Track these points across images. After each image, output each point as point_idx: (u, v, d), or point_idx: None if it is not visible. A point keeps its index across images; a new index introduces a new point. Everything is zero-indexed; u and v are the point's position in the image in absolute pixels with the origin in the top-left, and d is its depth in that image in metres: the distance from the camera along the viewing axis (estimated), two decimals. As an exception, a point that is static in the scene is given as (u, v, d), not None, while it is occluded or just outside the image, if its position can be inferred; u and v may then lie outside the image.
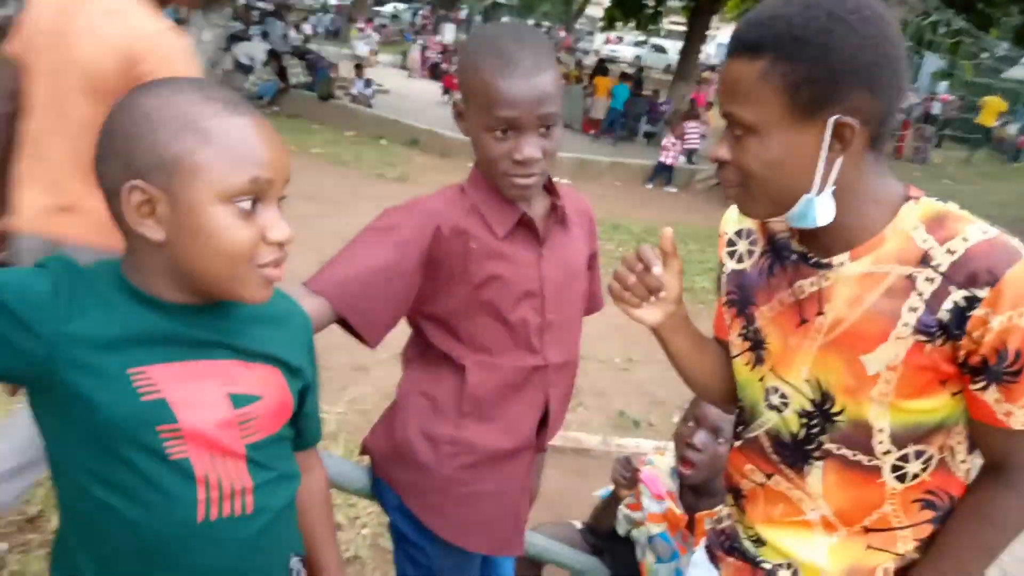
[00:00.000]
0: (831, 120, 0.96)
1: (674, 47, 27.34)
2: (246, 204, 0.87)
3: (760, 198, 1.04)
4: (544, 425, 1.44)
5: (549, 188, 1.40)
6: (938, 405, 1.04)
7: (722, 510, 1.37)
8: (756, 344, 1.18)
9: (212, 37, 11.70)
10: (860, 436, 1.07)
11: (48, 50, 1.78)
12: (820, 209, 1.01)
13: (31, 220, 1.84)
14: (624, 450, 3.38)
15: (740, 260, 1.22)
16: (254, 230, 0.88)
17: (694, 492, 1.93)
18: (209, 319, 0.94)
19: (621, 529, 2.07)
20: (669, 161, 11.19)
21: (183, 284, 0.90)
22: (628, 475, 2.04)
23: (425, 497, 1.40)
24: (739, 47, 0.99)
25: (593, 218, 1.52)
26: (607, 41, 37.25)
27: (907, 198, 1.05)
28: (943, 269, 0.98)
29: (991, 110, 17.44)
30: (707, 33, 16.48)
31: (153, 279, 0.90)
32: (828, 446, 1.10)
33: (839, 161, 0.99)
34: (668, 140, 11.31)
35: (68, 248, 1.73)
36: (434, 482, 1.38)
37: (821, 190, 1.00)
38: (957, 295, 0.97)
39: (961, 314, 0.97)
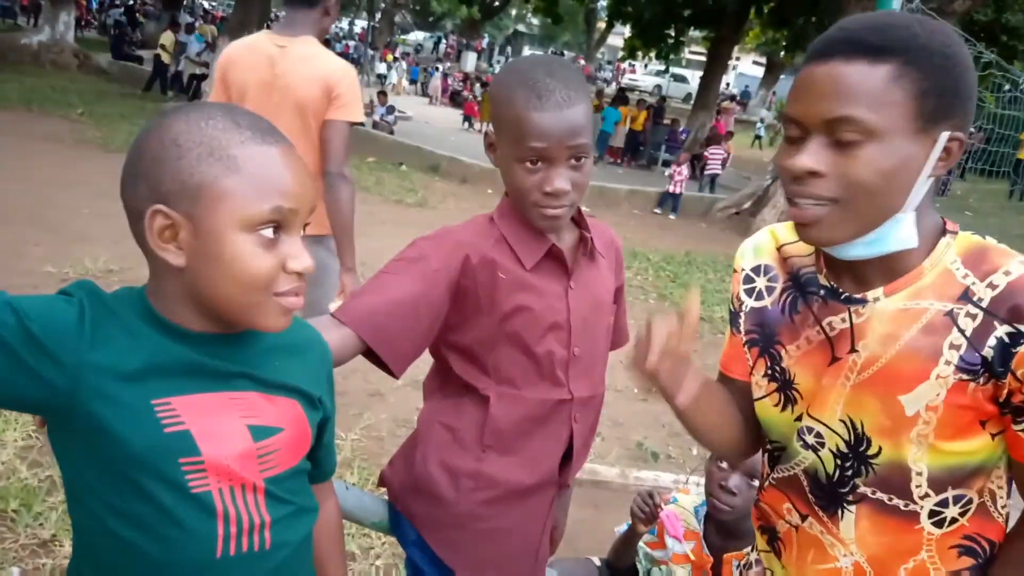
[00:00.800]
0: (945, 134, 0.93)
1: (694, 76, 27.47)
2: (268, 233, 0.86)
3: (855, 216, 0.96)
4: (567, 460, 1.41)
5: (578, 220, 1.39)
6: (978, 447, 1.00)
7: (751, 554, 1.32)
8: (784, 384, 1.12)
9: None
10: (897, 479, 1.02)
11: (259, 90, 2.53)
12: (907, 230, 0.97)
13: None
14: (642, 483, 3.32)
15: (759, 297, 1.17)
16: (275, 259, 0.87)
17: (721, 533, 1.88)
18: (231, 349, 0.93)
19: (641, 568, 2.02)
20: (675, 190, 11.29)
21: (203, 311, 0.89)
22: (648, 509, 1.99)
23: (444, 532, 1.37)
24: (855, 49, 0.93)
25: (620, 251, 1.50)
26: (620, 71, 37.49)
27: (944, 231, 1.02)
28: (985, 304, 0.94)
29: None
30: (728, 63, 16.53)
31: (175, 306, 0.89)
32: (863, 489, 1.05)
33: (931, 180, 0.96)
34: (674, 169, 11.46)
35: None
36: (454, 517, 1.35)
37: (908, 208, 0.96)
38: (1001, 331, 0.93)
39: (1006, 350, 0.93)
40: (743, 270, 1.21)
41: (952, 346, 0.96)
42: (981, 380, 0.95)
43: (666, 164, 12.59)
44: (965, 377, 0.95)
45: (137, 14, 21.09)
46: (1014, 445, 0.99)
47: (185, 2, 19.96)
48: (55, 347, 0.80)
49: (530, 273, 1.30)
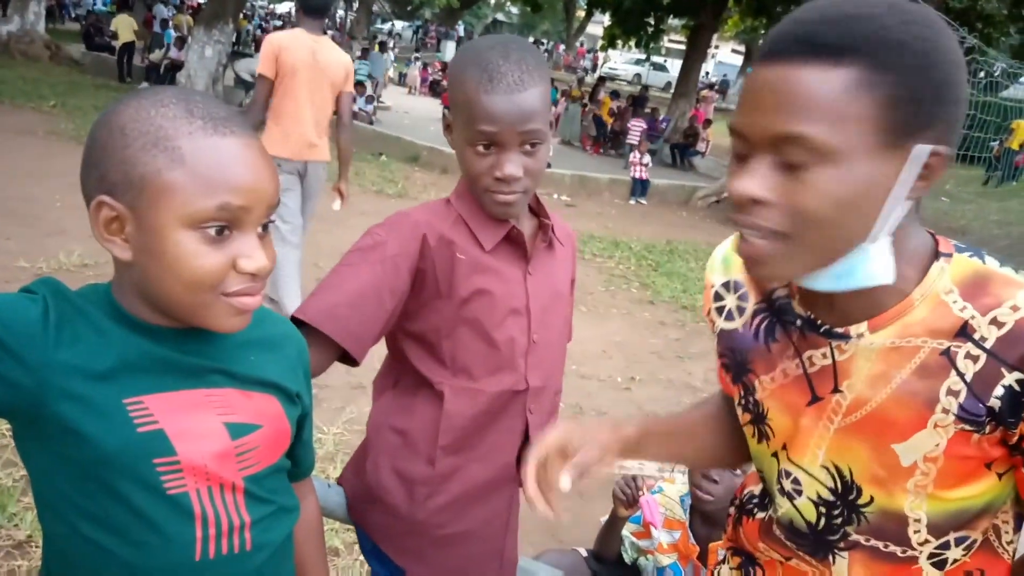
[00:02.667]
0: (924, 149, 0.77)
1: (674, 65, 27.48)
2: (211, 231, 0.80)
3: (807, 252, 0.81)
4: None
5: (536, 209, 1.36)
6: (983, 490, 0.88)
7: (719, 553, 1.22)
8: (757, 418, 1.01)
9: (214, 53, 11.82)
10: (893, 527, 0.91)
11: (306, 68, 3.79)
12: (878, 263, 0.81)
13: (295, 152, 3.86)
14: (627, 472, 3.32)
15: (730, 318, 1.03)
16: (222, 258, 0.81)
17: (707, 523, 1.87)
18: (203, 344, 0.89)
19: (627, 557, 2.01)
20: (638, 175, 11.44)
21: (156, 307, 0.85)
22: (629, 492, 1.97)
23: (402, 541, 1.33)
24: (809, 49, 0.75)
25: (575, 243, 1.48)
26: (595, 60, 37.36)
27: (937, 254, 0.86)
28: (989, 345, 0.80)
29: (1022, 133, 17.25)
30: (707, 51, 16.55)
31: (134, 301, 0.86)
32: (855, 537, 0.93)
33: (909, 203, 0.80)
34: (634, 156, 11.67)
35: (312, 165, 3.99)
36: (410, 525, 1.31)
37: (877, 237, 0.81)
38: (1010, 378, 0.79)
39: (1016, 400, 0.79)
40: (712, 285, 1.08)
41: (950, 392, 0.82)
42: (987, 430, 0.82)
43: (651, 152, 12.65)
44: (967, 428, 0.82)
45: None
46: None
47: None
48: (18, 346, 0.77)
49: (489, 255, 1.26)
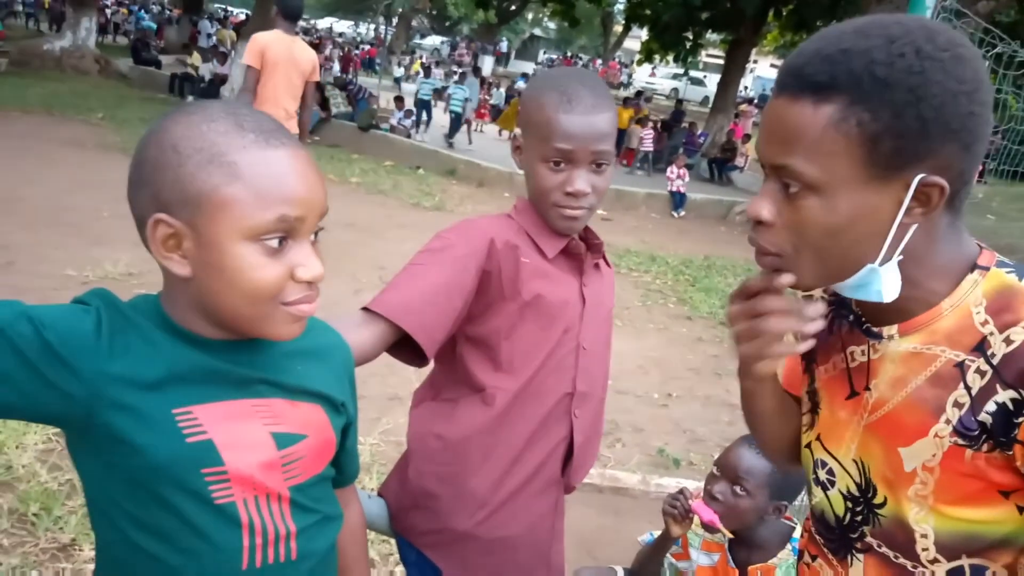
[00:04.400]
0: (915, 180, 0.79)
1: (711, 79, 27.35)
2: (273, 243, 0.82)
3: (810, 268, 0.87)
4: (570, 459, 1.39)
5: (586, 235, 1.42)
6: (999, 517, 0.86)
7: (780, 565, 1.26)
8: (813, 407, 1.04)
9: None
10: (901, 537, 0.91)
11: (285, 63, 4.90)
12: (885, 283, 0.85)
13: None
14: (664, 490, 3.27)
15: None
16: (282, 268, 0.83)
17: (744, 544, 1.83)
18: (250, 355, 0.90)
19: (665, 577, 1.98)
20: (675, 189, 11.42)
21: (214, 321, 0.86)
22: (679, 504, 1.90)
23: (448, 548, 1.34)
24: (799, 85, 0.81)
25: (613, 276, 1.54)
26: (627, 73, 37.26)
27: (974, 266, 0.88)
28: (996, 361, 0.81)
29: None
30: (745, 66, 16.43)
31: (187, 314, 0.87)
32: (870, 540, 0.95)
33: (913, 227, 0.83)
34: (670, 170, 11.66)
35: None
36: (457, 531, 1.32)
37: (887, 259, 0.84)
38: (1003, 395, 0.80)
39: (1007, 419, 0.80)
40: None
41: (956, 404, 0.84)
42: (983, 448, 0.83)
43: (688, 167, 12.59)
44: (961, 442, 0.83)
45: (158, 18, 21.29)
46: None
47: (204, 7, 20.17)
48: (72, 358, 0.78)
49: (550, 263, 1.33)
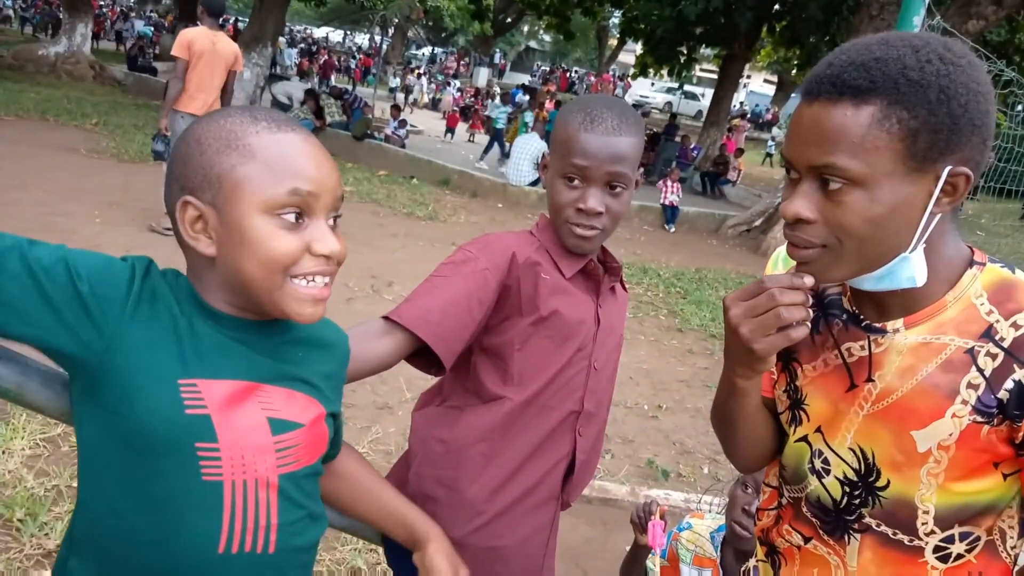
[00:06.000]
0: (946, 170, 0.88)
1: (706, 94, 27.50)
2: (290, 217, 0.88)
3: (850, 260, 0.93)
4: (569, 476, 1.40)
5: (604, 254, 1.45)
6: (989, 486, 0.97)
7: (749, 562, 1.29)
8: (795, 403, 1.12)
9: (252, 75, 12.06)
10: (903, 515, 1.00)
11: (209, 54, 5.78)
12: (916, 268, 0.93)
13: (199, 109, 5.70)
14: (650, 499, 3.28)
15: None
16: (299, 242, 0.88)
17: (739, 559, 1.84)
18: (265, 339, 0.94)
19: (653, 591, 1.98)
20: (666, 202, 11.38)
21: (235, 299, 0.92)
22: (642, 516, 1.93)
23: None
24: (838, 90, 0.88)
25: (626, 301, 1.57)
26: (626, 86, 37.43)
27: (971, 262, 0.98)
28: (1007, 344, 0.91)
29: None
30: (739, 81, 16.54)
31: (211, 295, 0.92)
32: (868, 520, 1.03)
33: (937, 216, 0.92)
34: (661, 183, 11.65)
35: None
36: (453, 537, 1.31)
37: (916, 247, 0.93)
38: (1020, 374, 0.90)
39: (1022, 395, 0.90)
40: None
41: (970, 385, 0.93)
42: (995, 422, 0.92)
43: (681, 180, 12.60)
44: (980, 419, 0.92)
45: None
46: None
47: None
48: (98, 311, 0.83)
49: (568, 282, 1.36)
